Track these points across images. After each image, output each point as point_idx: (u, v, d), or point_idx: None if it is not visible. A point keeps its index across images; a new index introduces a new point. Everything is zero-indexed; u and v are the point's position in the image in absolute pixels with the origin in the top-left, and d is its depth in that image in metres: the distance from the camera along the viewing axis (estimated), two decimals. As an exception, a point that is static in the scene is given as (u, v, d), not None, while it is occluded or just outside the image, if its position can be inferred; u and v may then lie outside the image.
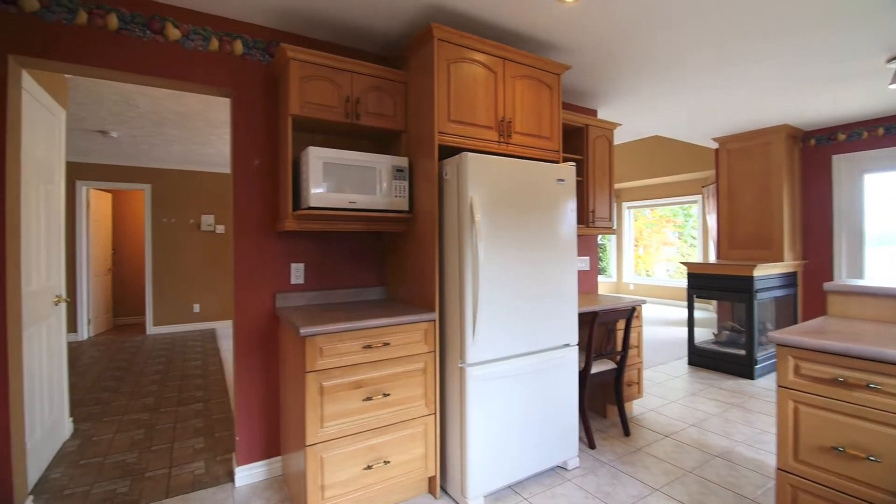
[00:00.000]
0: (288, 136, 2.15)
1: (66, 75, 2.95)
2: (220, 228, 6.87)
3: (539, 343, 2.31)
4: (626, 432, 2.93)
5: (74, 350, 5.44)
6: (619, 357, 2.96)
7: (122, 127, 4.39)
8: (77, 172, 5.98)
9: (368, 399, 1.97)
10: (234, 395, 2.35)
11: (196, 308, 6.76)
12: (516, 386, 2.22)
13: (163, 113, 3.94)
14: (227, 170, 6.85)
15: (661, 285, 9.03)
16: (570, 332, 2.45)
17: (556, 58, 2.87)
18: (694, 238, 8.82)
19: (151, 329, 6.44)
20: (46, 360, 2.56)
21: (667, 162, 7.41)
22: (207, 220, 6.77)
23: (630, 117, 4.24)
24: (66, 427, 2.90)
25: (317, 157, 2.09)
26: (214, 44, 2.28)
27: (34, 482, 2.30)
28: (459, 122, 2.27)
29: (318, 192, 2.08)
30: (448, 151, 2.31)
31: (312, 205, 2.06)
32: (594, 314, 2.67)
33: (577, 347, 2.48)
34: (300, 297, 2.45)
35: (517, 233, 2.22)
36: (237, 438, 2.32)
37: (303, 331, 1.80)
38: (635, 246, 9.77)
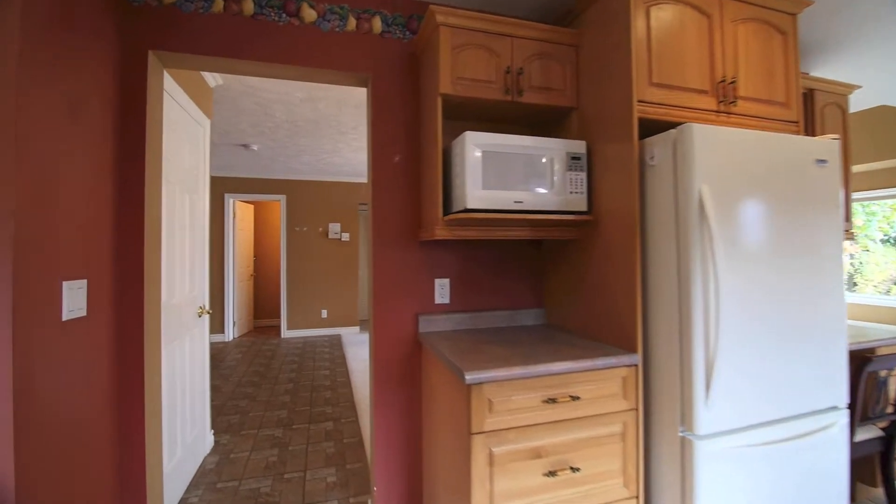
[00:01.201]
0: (437, 121, 1.71)
1: (211, 85, 2.94)
2: (346, 236, 6.98)
3: (795, 404, 1.54)
4: (907, 535, 1.96)
5: (221, 350, 5.84)
6: (890, 422, 2.00)
7: (260, 138, 4.51)
8: (225, 186, 6.49)
9: (551, 474, 1.41)
10: (372, 434, 1.98)
11: (324, 313, 6.94)
12: (764, 468, 1.48)
13: (297, 121, 3.90)
14: (353, 178, 6.94)
15: (866, 304, 7.05)
16: (838, 388, 1.63)
17: (786, -7, 2.05)
18: (875, 241, 6.77)
19: (285, 333, 6.74)
20: (189, 374, 2.48)
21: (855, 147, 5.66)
22: (334, 229, 6.92)
23: (856, 79, 3.11)
24: (208, 440, 2.85)
25: (475, 145, 1.61)
26: (352, 23, 1.96)
27: (175, 508, 2.18)
28: (664, 87, 1.63)
29: (476, 190, 1.60)
30: (644, 129, 1.68)
31: (470, 206, 1.59)
32: (864, 358, 1.80)
33: (847, 411, 1.65)
34: (446, 320, 2.01)
35: (763, 239, 1.50)
36: (374, 489, 1.94)
37: (469, 376, 1.32)
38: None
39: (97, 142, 1.52)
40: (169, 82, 2.11)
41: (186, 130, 2.45)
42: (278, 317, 7.67)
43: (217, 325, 6.45)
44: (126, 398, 1.69)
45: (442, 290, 2.02)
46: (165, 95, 2.08)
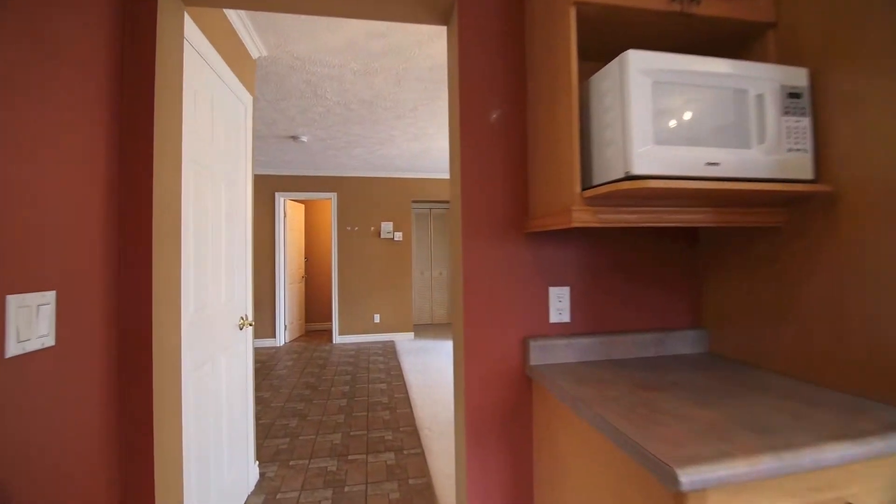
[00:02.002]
0: (569, 44, 1.11)
1: (254, 56, 2.50)
2: (399, 236, 6.52)
3: None
4: None
5: (272, 356, 5.53)
6: None
7: (310, 128, 4.10)
8: (275, 184, 6.21)
9: None
10: (461, 506, 1.41)
11: (376, 318, 6.52)
12: None
13: (349, 103, 3.43)
14: (406, 174, 6.47)
15: None
16: None
17: None
18: None
19: (337, 338, 6.37)
20: (227, 400, 2.03)
21: None
22: (386, 228, 6.48)
23: None
24: (251, 475, 2.40)
25: (642, 73, 1.00)
26: (429, -71, 1.40)
27: (206, 580, 1.71)
28: (976, -41, 0.94)
29: (646, 145, 0.98)
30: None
31: (637, 172, 0.97)
32: None
33: None
34: (567, 347, 1.39)
35: None
36: (468, 587, 1.37)
37: (687, 476, 0.70)
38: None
39: (83, 102, 1.05)
40: (198, 38, 1.65)
41: (223, 104, 2.00)
42: (329, 320, 7.36)
43: (268, 329, 6.18)
44: (127, 452, 1.21)
45: (559, 304, 1.41)
46: (193, 55, 1.62)
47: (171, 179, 1.36)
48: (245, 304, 2.30)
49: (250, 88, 2.46)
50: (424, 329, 7.38)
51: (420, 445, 2.96)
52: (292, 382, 4.45)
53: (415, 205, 7.70)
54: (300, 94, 3.24)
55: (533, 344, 1.36)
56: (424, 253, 7.81)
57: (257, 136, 4.38)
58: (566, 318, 1.42)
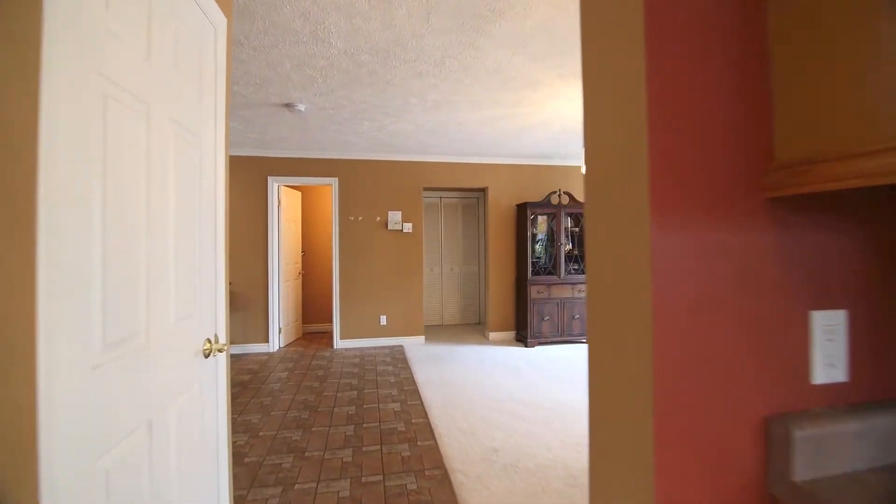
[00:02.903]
0: None
1: (229, -37, 1.75)
2: (408, 227, 5.77)
3: None
4: None
5: (264, 365, 4.81)
6: None
7: (308, 92, 3.34)
8: (268, 168, 5.45)
9: None
10: None
11: (383, 320, 5.78)
12: None
13: (358, 53, 2.68)
14: (417, 157, 5.70)
15: None
16: None
17: None
18: None
19: (339, 343, 5.64)
20: (179, 474, 1.30)
21: None
22: (394, 218, 5.73)
23: None
24: (228, 562, 1.68)
25: None
26: None
27: None
28: None
29: None
30: None
31: None
32: None
33: None
34: (857, 436, 0.67)
35: None
36: None
37: None
38: None
39: None
40: None
41: (175, 10, 1.25)
42: (329, 321, 6.61)
43: (260, 334, 5.44)
44: None
45: (829, 346, 0.69)
46: None
47: (9, 90, 0.62)
48: (214, 321, 1.56)
49: (225, 7, 1.71)
50: (435, 331, 6.66)
51: (455, 500, 2.24)
52: (287, 401, 3.72)
53: (426, 193, 6.95)
54: (295, 37, 2.48)
55: (799, 434, 0.63)
56: (434, 247, 7.08)
57: (245, 104, 3.62)
58: (840, 374, 0.69)
